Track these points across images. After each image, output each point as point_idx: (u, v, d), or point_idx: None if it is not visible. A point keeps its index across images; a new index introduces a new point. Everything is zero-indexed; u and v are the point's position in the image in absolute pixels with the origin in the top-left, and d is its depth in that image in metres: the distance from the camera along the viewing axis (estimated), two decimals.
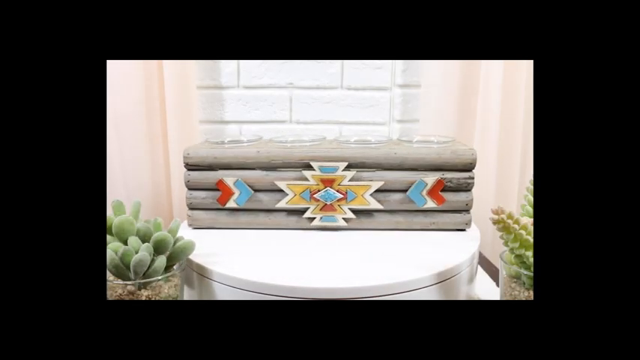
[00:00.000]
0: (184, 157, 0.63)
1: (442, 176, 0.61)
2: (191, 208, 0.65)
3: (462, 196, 0.63)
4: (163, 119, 0.83)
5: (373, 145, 0.64)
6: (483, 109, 0.82)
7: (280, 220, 0.64)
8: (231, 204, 0.63)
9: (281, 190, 0.62)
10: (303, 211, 0.63)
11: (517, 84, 0.80)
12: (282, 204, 0.62)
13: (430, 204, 0.62)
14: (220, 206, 0.64)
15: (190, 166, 0.64)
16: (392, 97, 0.91)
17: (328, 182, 0.62)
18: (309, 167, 0.62)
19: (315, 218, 0.63)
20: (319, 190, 0.62)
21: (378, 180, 0.62)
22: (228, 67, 0.88)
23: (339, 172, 0.61)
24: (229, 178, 0.62)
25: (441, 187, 0.62)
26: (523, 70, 0.80)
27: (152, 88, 0.81)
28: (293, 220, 0.64)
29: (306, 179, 0.61)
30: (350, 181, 0.61)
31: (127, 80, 0.78)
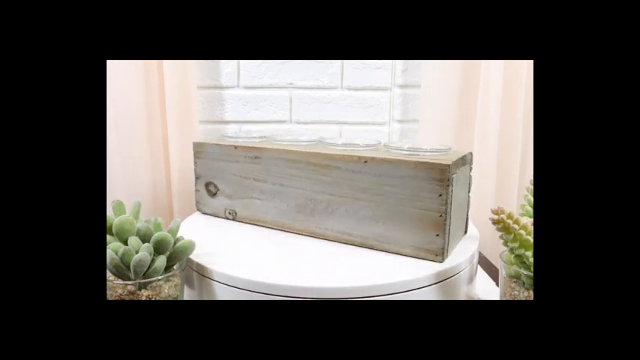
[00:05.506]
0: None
1: None
2: None
3: None
4: (163, 119, 0.83)
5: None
6: (483, 109, 0.82)
7: None
8: None
9: None
10: None
11: (517, 84, 0.80)
12: None
13: None
14: None
15: None
16: (392, 97, 0.91)
17: None
18: None
19: None
20: None
21: None
22: (228, 67, 0.88)
23: None
24: None
25: None
26: (523, 70, 0.80)
27: (152, 88, 0.81)
28: None
29: None
30: None
31: (127, 80, 0.78)
